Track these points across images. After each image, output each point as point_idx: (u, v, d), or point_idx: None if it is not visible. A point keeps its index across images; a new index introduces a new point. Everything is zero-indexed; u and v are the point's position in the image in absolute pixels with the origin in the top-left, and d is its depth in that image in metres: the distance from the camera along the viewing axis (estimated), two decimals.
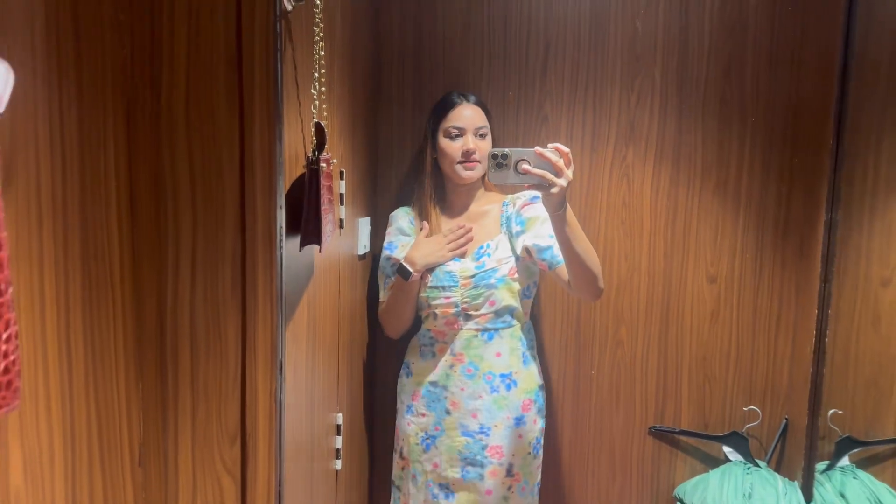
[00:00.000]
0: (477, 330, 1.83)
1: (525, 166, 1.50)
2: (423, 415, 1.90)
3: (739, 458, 2.07)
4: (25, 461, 0.72)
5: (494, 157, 1.53)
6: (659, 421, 2.15)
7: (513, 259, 1.82)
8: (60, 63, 0.72)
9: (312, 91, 1.29)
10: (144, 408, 0.90)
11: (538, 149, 1.47)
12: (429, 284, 1.84)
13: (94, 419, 0.82)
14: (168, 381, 0.92)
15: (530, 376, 1.89)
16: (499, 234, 1.86)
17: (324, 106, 1.43)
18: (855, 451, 2.04)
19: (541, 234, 1.77)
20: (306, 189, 1.24)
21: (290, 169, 1.30)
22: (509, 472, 1.86)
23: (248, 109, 0.88)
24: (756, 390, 2.11)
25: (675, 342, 2.11)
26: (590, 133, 2.08)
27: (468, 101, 1.87)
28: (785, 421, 2.09)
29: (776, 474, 2.00)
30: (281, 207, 0.90)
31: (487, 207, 1.91)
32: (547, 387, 2.15)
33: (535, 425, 1.90)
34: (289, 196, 1.28)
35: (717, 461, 2.11)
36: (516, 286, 1.82)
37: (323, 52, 1.38)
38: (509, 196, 1.91)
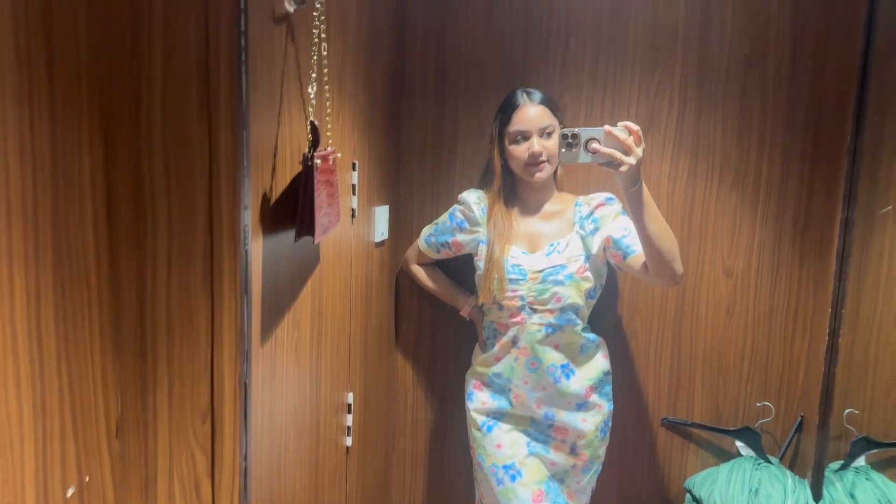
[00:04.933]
0: (541, 325, 1.85)
1: (595, 145, 1.51)
2: (484, 402, 1.96)
3: (752, 453, 2.06)
4: None
5: (564, 136, 1.55)
6: (671, 413, 2.16)
7: (583, 258, 1.83)
8: (32, 85, 0.82)
9: (310, 90, 1.36)
10: (122, 385, 1.02)
11: (607, 127, 1.50)
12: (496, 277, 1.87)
13: (67, 395, 0.93)
14: (147, 362, 1.02)
15: (594, 365, 1.91)
16: (570, 233, 1.87)
17: (327, 103, 1.50)
18: (872, 452, 2.01)
19: (615, 227, 1.81)
20: (301, 185, 1.32)
21: (293, 165, 1.38)
22: (573, 451, 1.91)
23: (214, 118, 0.96)
24: (771, 386, 2.09)
25: (690, 335, 2.11)
26: (609, 123, 2.07)
27: (532, 100, 1.85)
28: (800, 418, 2.07)
29: (787, 471, 1.99)
30: (246, 208, 0.98)
31: (560, 207, 1.93)
32: None
33: (601, 409, 1.92)
34: (289, 190, 1.37)
35: (730, 455, 2.11)
36: (585, 285, 1.83)
37: (325, 53, 1.45)
38: (582, 197, 1.93)
